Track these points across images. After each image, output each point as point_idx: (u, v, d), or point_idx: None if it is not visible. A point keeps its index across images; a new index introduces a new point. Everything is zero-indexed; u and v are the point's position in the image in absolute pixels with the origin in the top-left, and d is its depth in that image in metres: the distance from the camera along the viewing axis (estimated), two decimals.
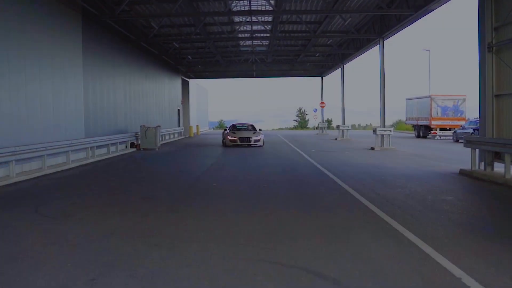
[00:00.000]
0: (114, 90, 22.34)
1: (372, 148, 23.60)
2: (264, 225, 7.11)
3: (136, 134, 24.09)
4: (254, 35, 27.45)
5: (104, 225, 7.22)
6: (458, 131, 31.18)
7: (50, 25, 15.68)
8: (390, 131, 23.85)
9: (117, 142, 21.27)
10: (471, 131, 28.84)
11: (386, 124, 34.75)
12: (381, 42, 24.00)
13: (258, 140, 25.43)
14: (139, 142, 23.80)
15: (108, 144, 20.12)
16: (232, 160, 18.52)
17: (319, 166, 15.62)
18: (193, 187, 11.34)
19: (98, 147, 19.24)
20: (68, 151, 15.90)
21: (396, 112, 70.16)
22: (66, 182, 12.40)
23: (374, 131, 24.08)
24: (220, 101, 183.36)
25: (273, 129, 65.84)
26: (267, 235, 6.48)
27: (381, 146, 23.58)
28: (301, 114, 76.13)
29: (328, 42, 30.39)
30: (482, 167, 13.16)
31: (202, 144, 29.51)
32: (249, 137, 25.20)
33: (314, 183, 11.87)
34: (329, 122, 59.15)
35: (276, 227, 7.01)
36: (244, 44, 32.89)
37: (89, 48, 18.93)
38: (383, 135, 23.66)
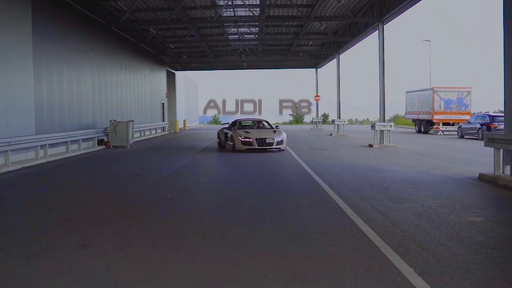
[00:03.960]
0: (78, 80, 19.64)
1: (370, 146, 21.04)
2: (196, 276, 4.51)
3: (105, 130, 21.44)
4: (238, 19, 24.56)
5: None
6: (463, 126, 28.69)
7: None
8: (391, 126, 21.23)
9: (79, 139, 18.59)
10: (478, 126, 26.38)
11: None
12: (380, 27, 21.35)
13: (281, 142, 18.24)
14: (109, 139, 21.16)
15: (67, 141, 17.47)
16: (206, 160, 15.89)
17: (307, 168, 13.04)
18: (140, 199, 8.73)
19: (54, 145, 16.63)
20: (7, 150, 13.26)
21: (392, 106, 67.47)
22: None
23: (373, 126, 21.48)
24: (213, 95, 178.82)
25: None
26: None
27: (380, 143, 21.01)
28: (296, 108, 73.82)
29: (322, 28, 27.63)
30: (508, 172, 10.58)
31: (184, 140, 26.86)
32: (270, 138, 18.04)
33: (296, 194, 9.27)
34: (325, 116, 56.54)
35: (214, 278, 4.41)
36: (230, 31, 30.14)
37: (42, 32, 16.24)
38: (382, 130, 21.07)
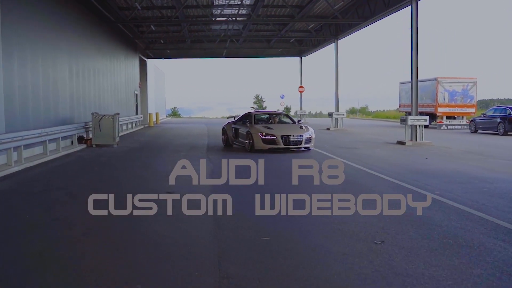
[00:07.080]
0: (54, 62, 15.64)
1: (400, 142, 18.27)
2: None
3: (86, 125, 17.51)
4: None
5: None
6: (478, 120, 26.38)
7: None
8: (425, 120, 18.38)
9: (59, 137, 14.68)
10: (498, 120, 24.05)
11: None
12: (413, 3, 18.33)
13: (310, 140, 15.30)
14: (91, 136, 17.27)
15: (45, 141, 13.56)
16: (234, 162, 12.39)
17: (382, 175, 9.85)
18: (225, 252, 5.27)
19: (29, 145, 12.74)
20: None
21: (350, 99, 65.22)
22: None
23: (404, 120, 18.58)
24: (179, 86, 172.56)
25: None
26: None
27: (412, 140, 18.10)
28: (258, 101, 72.95)
29: (336, 7, 24.01)
30: None
31: (172, 136, 23.10)
32: (297, 135, 15.01)
33: (445, 228, 6.06)
34: (287, 109, 52.96)
35: None
36: (222, 13, 26.43)
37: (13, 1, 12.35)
38: (415, 125, 18.17)
